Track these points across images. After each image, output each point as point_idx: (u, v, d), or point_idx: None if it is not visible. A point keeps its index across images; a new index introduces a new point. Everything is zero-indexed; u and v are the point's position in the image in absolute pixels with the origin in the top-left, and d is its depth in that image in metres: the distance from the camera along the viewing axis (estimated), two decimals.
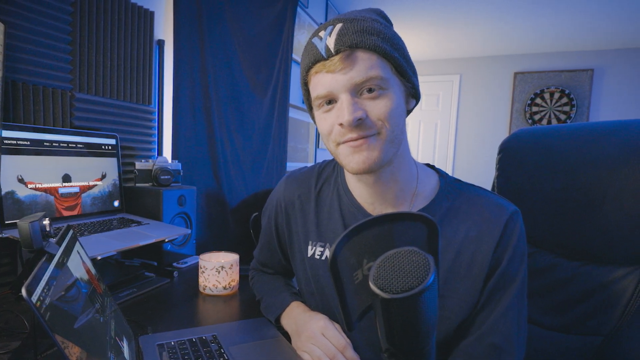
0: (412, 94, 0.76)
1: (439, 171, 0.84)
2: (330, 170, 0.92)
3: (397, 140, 0.72)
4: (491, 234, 0.72)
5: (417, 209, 0.78)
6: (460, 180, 0.82)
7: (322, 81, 0.70)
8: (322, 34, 0.69)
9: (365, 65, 0.67)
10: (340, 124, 0.69)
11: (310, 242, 0.88)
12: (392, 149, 0.71)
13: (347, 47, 0.66)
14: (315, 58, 0.70)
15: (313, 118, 0.80)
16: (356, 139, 0.69)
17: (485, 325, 0.71)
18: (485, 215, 0.74)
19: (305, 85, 0.76)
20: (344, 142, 0.71)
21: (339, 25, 0.68)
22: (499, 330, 0.70)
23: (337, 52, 0.67)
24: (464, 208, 0.76)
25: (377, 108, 0.68)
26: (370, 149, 0.69)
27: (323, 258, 0.85)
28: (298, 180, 0.94)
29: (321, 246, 0.86)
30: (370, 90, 0.68)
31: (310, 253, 0.87)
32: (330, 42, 0.67)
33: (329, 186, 0.90)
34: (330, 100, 0.71)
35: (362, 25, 0.67)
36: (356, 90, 0.68)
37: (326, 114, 0.72)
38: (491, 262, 0.71)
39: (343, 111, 0.68)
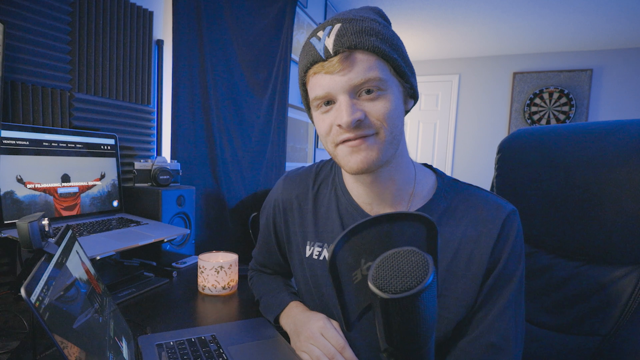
0: (410, 94, 0.76)
1: (436, 171, 0.84)
2: (328, 170, 0.92)
3: (396, 140, 0.72)
4: (489, 234, 0.72)
5: (415, 208, 0.78)
6: (457, 180, 0.82)
7: (321, 82, 0.70)
8: (320, 34, 0.69)
9: (364, 66, 0.67)
10: (339, 125, 0.69)
11: (308, 242, 0.88)
12: (390, 149, 0.71)
13: (346, 48, 0.66)
14: (313, 59, 0.69)
15: (311, 118, 0.80)
16: (354, 139, 0.69)
17: (483, 324, 0.71)
18: (483, 215, 0.74)
19: (304, 85, 0.76)
20: (342, 143, 0.71)
21: (337, 26, 0.68)
22: (496, 329, 0.71)
23: (336, 53, 0.67)
24: (461, 208, 0.76)
25: (376, 109, 0.68)
26: (369, 149, 0.70)
27: (321, 258, 0.85)
28: (296, 180, 0.94)
29: (319, 246, 0.86)
30: (368, 92, 0.68)
31: (308, 253, 0.87)
32: (329, 42, 0.67)
33: (326, 186, 0.90)
34: (329, 101, 0.71)
35: (360, 26, 0.67)
36: (355, 92, 0.68)
37: (324, 115, 0.72)
38: (489, 261, 0.71)
39: (342, 112, 0.68)
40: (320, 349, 0.75)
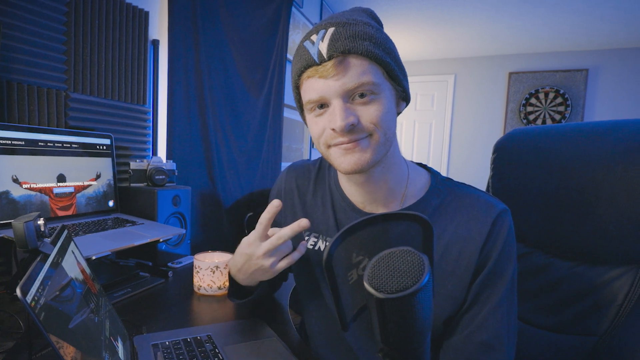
0: (403, 97, 0.77)
1: (430, 170, 0.85)
2: (327, 166, 0.94)
3: (389, 142, 0.73)
4: (479, 232, 0.72)
5: (407, 206, 0.78)
6: (451, 179, 0.83)
7: (315, 86, 0.70)
8: (314, 37, 0.69)
9: (358, 71, 0.67)
10: (333, 129, 0.69)
11: (306, 232, 0.90)
12: (383, 150, 0.73)
13: (340, 52, 0.66)
14: (307, 63, 0.70)
15: (304, 119, 0.81)
16: (348, 143, 0.70)
17: (475, 323, 0.72)
18: (474, 213, 0.74)
19: (297, 88, 0.77)
20: (335, 145, 0.72)
21: (331, 30, 0.68)
22: (488, 327, 0.71)
23: (330, 57, 0.67)
24: (453, 206, 0.77)
25: (369, 113, 0.69)
26: (363, 151, 0.71)
27: (316, 248, 0.87)
28: (298, 171, 0.97)
29: (315, 237, 0.88)
30: (362, 96, 0.69)
31: (307, 243, 0.89)
32: (323, 47, 0.67)
33: (324, 181, 0.92)
34: (322, 105, 0.71)
35: (354, 30, 0.67)
36: (348, 96, 0.69)
37: (318, 118, 0.73)
38: (478, 259, 0.71)
39: (335, 117, 0.68)
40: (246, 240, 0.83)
